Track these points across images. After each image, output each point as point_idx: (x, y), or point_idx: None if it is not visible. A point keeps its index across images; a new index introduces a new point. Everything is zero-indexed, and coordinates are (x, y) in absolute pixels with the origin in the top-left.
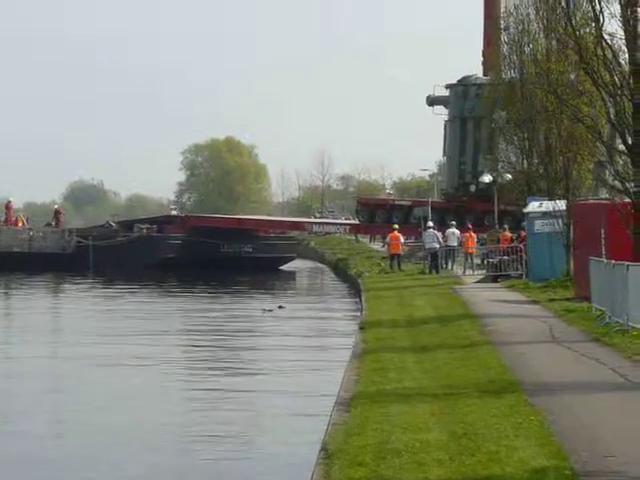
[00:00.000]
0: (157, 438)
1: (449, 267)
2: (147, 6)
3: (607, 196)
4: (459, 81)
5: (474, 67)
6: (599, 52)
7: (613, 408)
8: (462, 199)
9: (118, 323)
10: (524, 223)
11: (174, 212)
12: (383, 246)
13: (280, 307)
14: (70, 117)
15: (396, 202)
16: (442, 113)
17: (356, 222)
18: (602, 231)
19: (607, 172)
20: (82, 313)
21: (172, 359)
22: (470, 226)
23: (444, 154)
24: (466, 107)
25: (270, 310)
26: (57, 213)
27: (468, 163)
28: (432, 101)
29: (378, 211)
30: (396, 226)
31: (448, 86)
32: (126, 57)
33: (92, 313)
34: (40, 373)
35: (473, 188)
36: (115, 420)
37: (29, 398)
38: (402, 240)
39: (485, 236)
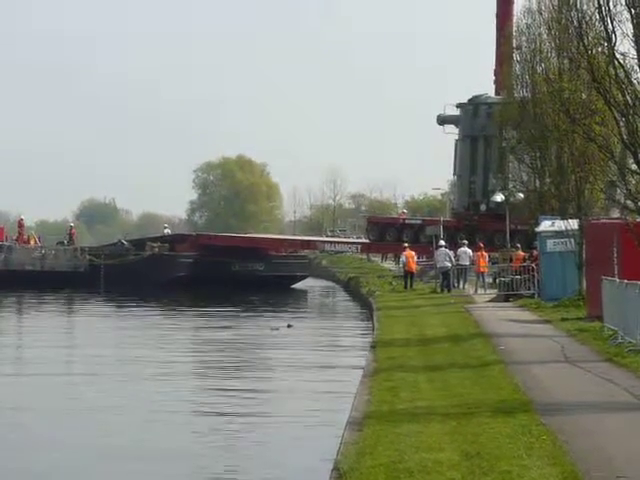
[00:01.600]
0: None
1: (461, 286)
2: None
3: (619, 215)
4: (469, 100)
5: (486, 86)
6: (611, 71)
7: (626, 428)
8: (472, 218)
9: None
10: (536, 242)
11: (167, 230)
12: (397, 264)
13: (289, 326)
14: (83, 136)
15: (406, 221)
16: (453, 132)
17: (367, 241)
18: (614, 250)
19: (619, 191)
20: (96, 333)
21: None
22: (482, 245)
23: (454, 173)
24: (476, 126)
25: (277, 329)
26: (70, 231)
27: (478, 182)
28: (443, 120)
29: (388, 230)
30: (406, 244)
31: (459, 105)
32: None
33: (107, 332)
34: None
35: (483, 207)
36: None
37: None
38: (415, 258)
39: (497, 255)
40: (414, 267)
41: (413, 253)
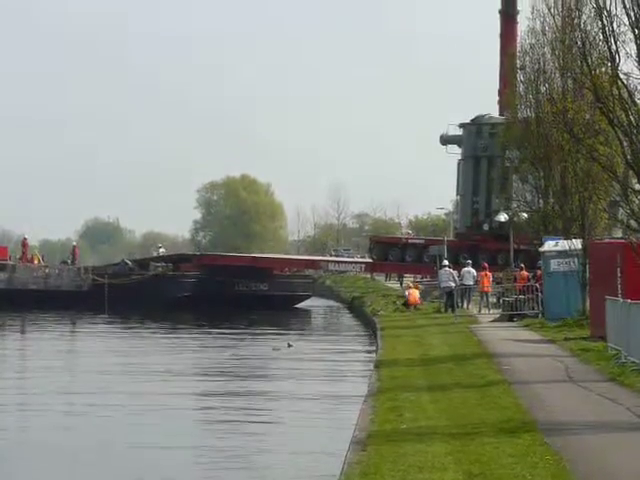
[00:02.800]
0: None
1: (465, 306)
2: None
3: (622, 235)
4: (472, 120)
5: (489, 106)
6: (615, 91)
7: (629, 448)
8: (475, 238)
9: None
10: (540, 262)
11: (162, 250)
12: (401, 285)
13: (289, 345)
14: (86, 155)
15: (409, 241)
16: (456, 152)
17: (371, 260)
18: (618, 270)
19: (622, 211)
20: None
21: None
22: (486, 265)
23: (457, 193)
24: (479, 146)
25: (278, 349)
26: (73, 250)
27: (481, 202)
28: (446, 140)
29: (391, 250)
30: (411, 284)
31: (461, 125)
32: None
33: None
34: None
35: (486, 227)
36: None
37: None
38: (419, 295)
39: (501, 275)
40: (416, 299)
41: (417, 292)
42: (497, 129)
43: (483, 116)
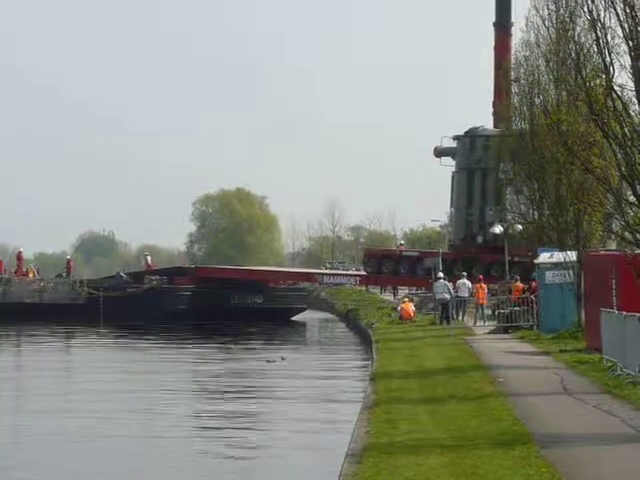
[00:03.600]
0: None
1: (460, 318)
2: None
3: (616, 247)
4: (466, 132)
5: (483, 118)
6: (609, 103)
7: (625, 460)
8: (470, 250)
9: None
10: (534, 274)
11: (149, 258)
12: (395, 297)
13: (282, 358)
14: (81, 168)
15: (403, 253)
16: (449, 164)
17: (365, 273)
18: (613, 282)
19: (617, 223)
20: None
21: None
22: (481, 277)
23: (451, 205)
24: (473, 158)
25: (273, 361)
26: (67, 264)
27: (475, 214)
28: (440, 152)
29: (385, 262)
30: (406, 299)
31: (455, 137)
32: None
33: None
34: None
35: (480, 239)
36: None
37: None
38: (413, 309)
39: (496, 287)
40: (410, 314)
41: (411, 305)
42: (491, 141)
43: (477, 128)
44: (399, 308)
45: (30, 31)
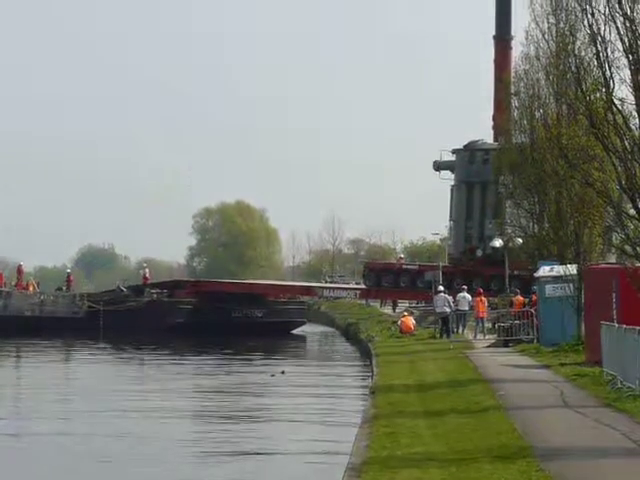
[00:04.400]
0: None
1: (460, 331)
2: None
3: (616, 260)
4: (465, 146)
5: (484, 131)
6: (609, 117)
7: (625, 474)
8: (469, 263)
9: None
10: (534, 287)
11: (147, 270)
12: (394, 311)
13: (282, 372)
14: (81, 182)
15: (403, 267)
16: (449, 178)
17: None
18: (613, 295)
19: (617, 236)
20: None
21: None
22: (481, 290)
23: (451, 218)
24: (472, 172)
25: (273, 375)
26: (67, 278)
27: (475, 228)
28: (439, 166)
29: (385, 275)
30: (406, 313)
31: (454, 151)
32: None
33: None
34: None
35: (480, 252)
36: None
37: None
38: (413, 322)
39: (496, 300)
40: (410, 327)
41: (411, 319)
42: (490, 155)
43: (476, 142)
44: (399, 322)
45: (30, 31)
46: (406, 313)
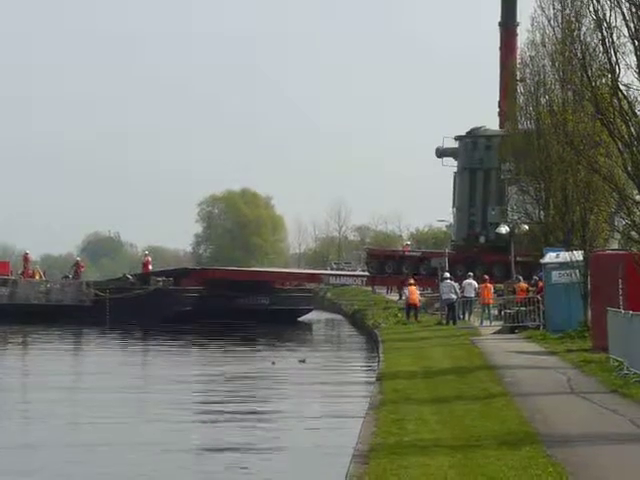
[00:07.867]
0: None
1: (466, 318)
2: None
3: (620, 246)
4: (468, 133)
5: (490, 118)
6: (615, 103)
7: (632, 460)
8: (472, 250)
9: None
10: (540, 273)
11: (148, 258)
12: (400, 298)
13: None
14: (86, 170)
15: (406, 253)
16: (451, 165)
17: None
18: (620, 282)
19: (623, 222)
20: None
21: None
22: (487, 277)
23: (453, 205)
24: (475, 159)
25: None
26: (77, 265)
27: (477, 214)
28: (441, 153)
29: (388, 262)
30: (412, 281)
31: (457, 138)
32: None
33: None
34: None
35: (483, 239)
36: None
37: None
38: (418, 293)
39: (502, 287)
40: (416, 299)
41: (414, 288)
42: (493, 141)
43: (479, 128)
44: (406, 291)
45: (29, 31)
46: (412, 281)
